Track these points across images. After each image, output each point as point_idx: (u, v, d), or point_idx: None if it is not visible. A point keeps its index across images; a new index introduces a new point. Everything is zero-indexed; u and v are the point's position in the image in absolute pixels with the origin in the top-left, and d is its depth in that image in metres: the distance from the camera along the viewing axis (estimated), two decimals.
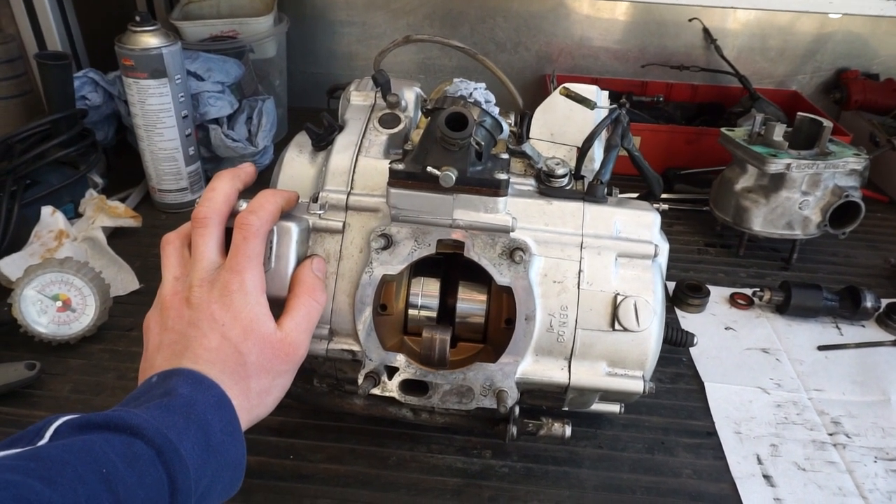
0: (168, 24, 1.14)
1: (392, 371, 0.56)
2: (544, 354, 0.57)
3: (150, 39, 0.89)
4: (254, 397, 0.49)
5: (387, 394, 0.56)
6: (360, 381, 0.56)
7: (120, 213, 0.92)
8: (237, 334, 0.48)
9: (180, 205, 1.01)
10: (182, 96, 0.94)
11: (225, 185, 0.55)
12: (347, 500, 0.59)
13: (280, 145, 1.16)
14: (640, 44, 1.38)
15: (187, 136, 0.97)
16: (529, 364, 0.56)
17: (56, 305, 0.74)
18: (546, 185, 0.61)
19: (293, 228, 0.56)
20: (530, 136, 0.67)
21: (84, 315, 0.75)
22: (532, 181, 0.62)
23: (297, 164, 0.65)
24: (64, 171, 0.93)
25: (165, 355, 0.49)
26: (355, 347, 0.57)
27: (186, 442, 0.41)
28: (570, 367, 0.57)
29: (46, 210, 0.86)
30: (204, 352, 0.47)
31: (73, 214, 0.94)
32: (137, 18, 0.88)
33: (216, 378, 0.46)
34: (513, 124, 0.72)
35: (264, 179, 0.64)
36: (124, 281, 0.85)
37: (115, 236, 0.92)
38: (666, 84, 1.36)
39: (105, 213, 0.91)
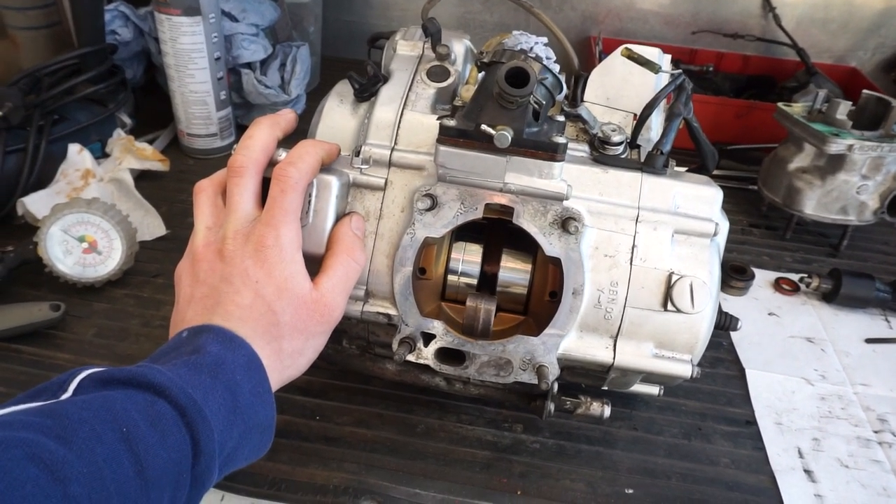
0: None
1: (428, 338, 0.54)
2: (589, 331, 0.54)
3: None
4: (286, 358, 0.47)
5: (421, 361, 0.54)
6: (394, 346, 0.54)
7: (148, 156, 0.90)
8: (271, 292, 0.46)
9: (209, 150, 0.98)
10: (215, 37, 0.90)
11: (263, 132, 0.51)
12: (374, 465, 0.57)
13: (313, 94, 1.13)
14: (693, 9, 1.30)
15: (219, 80, 0.93)
16: (573, 340, 0.54)
17: (82, 247, 0.72)
18: (600, 153, 0.57)
19: (333, 182, 0.53)
20: (585, 99, 0.63)
21: (110, 259, 0.73)
22: (585, 147, 0.58)
23: (337, 115, 0.61)
24: (92, 109, 0.90)
25: (197, 309, 0.47)
26: (392, 311, 0.55)
27: (212, 402, 0.39)
28: (615, 346, 0.54)
29: (73, 148, 0.84)
30: (236, 308, 0.45)
31: (100, 154, 0.91)
32: None
33: (247, 337, 0.44)
34: (568, 83, 0.68)
35: (300, 130, 0.60)
36: (150, 226, 0.83)
37: (142, 179, 0.90)
38: (717, 53, 1.29)
39: (133, 154, 0.89)
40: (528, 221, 0.52)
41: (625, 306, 0.53)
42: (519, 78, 0.47)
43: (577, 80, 0.66)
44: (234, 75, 0.98)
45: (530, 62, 0.51)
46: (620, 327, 0.54)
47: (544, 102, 0.51)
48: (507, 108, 0.49)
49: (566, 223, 0.51)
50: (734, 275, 0.83)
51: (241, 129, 1.05)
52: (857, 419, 0.67)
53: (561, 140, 0.50)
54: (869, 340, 0.78)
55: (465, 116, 0.50)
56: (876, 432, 0.66)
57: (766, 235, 0.96)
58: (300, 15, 1.16)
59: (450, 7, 1.33)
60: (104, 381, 0.38)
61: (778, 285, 0.85)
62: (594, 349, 0.54)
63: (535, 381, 0.53)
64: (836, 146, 0.84)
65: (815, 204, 0.89)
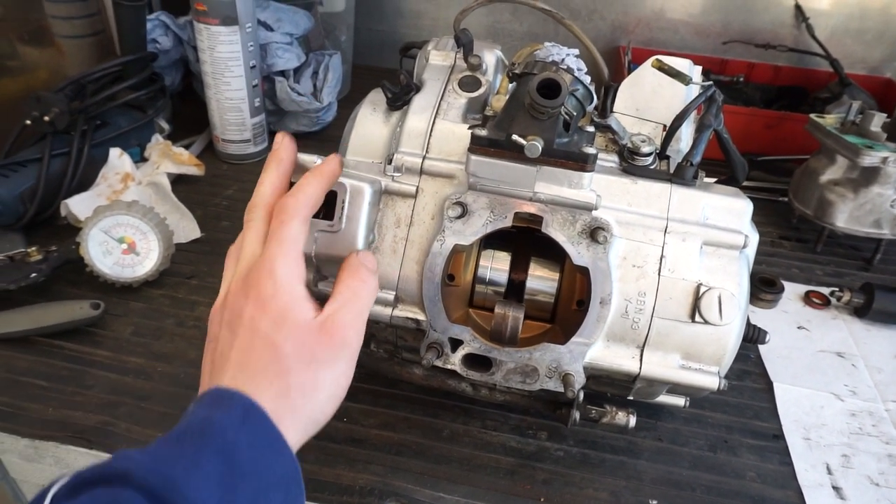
0: None
1: (456, 344, 0.55)
2: (616, 340, 0.54)
3: None
4: (298, 396, 0.41)
5: (449, 366, 0.55)
6: (422, 351, 0.55)
7: (184, 161, 0.92)
8: (267, 325, 0.41)
9: (243, 156, 1.01)
10: (251, 45, 0.92)
11: (270, 174, 0.48)
12: (399, 468, 0.58)
13: (343, 102, 1.15)
14: (724, 18, 1.29)
15: (254, 87, 0.96)
16: (600, 349, 0.54)
17: (121, 248, 0.74)
18: (629, 163, 0.57)
19: (366, 189, 0.54)
20: (615, 109, 0.64)
21: (147, 259, 0.75)
22: (615, 157, 0.58)
23: (370, 123, 0.62)
24: (132, 114, 0.93)
25: (207, 374, 0.43)
26: (420, 316, 0.56)
27: (197, 474, 0.34)
28: (641, 356, 0.54)
29: (114, 152, 0.87)
30: (235, 354, 0.41)
31: (139, 158, 0.94)
32: None
33: (248, 381, 0.40)
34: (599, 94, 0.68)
35: (330, 136, 0.62)
36: (186, 229, 0.85)
37: (178, 183, 0.93)
38: (747, 63, 1.28)
39: (170, 158, 0.92)
40: (557, 230, 0.53)
41: (652, 317, 0.54)
42: (550, 89, 0.48)
43: (607, 90, 0.66)
44: (268, 83, 1.00)
45: (562, 74, 0.52)
46: (647, 337, 0.54)
47: (575, 113, 0.51)
48: (538, 119, 0.50)
49: (595, 233, 0.52)
50: (763, 287, 0.82)
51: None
52: (888, 437, 0.66)
53: (591, 150, 0.50)
54: None
55: (496, 126, 0.51)
56: None
57: (797, 248, 0.95)
58: (333, 24, 1.19)
59: (479, 17, 1.35)
60: (73, 489, 0.34)
61: (808, 299, 0.84)
62: (621, 359, 0.54)
63: (561, 389, 0.54)
64: (869, 159, 0.83)
65: (847, 217, 0.88)
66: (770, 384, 0.71)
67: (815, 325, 0.80)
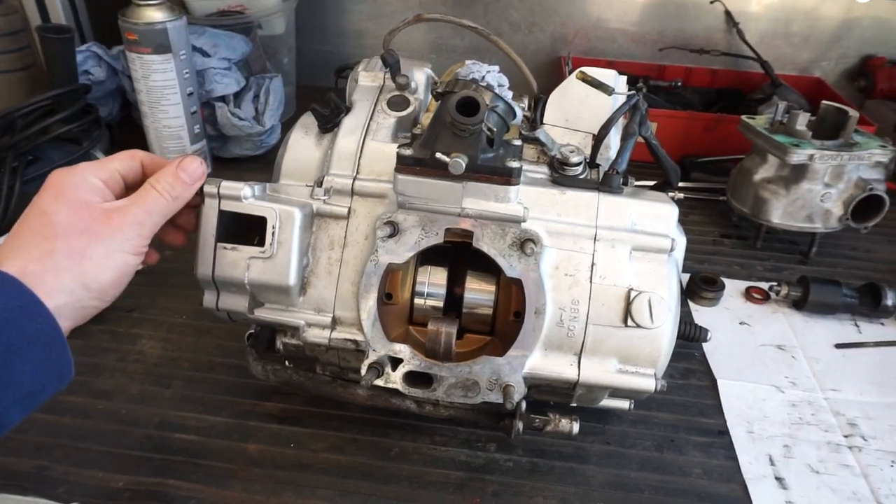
0: None
1: (396, 362, 0.55)
2: (553, 349, 0.55)
3: (154, 13, 0.87)
4: (62, 258, 0.43)
5: (390, 385, 0.55)
6: (363, 371, 0.54)
7: None
8: (47, 200, 0.45)
9: None
10: (187, 73, 0.92)
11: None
12: (348, 491, 0.58)
13: (288, 124, 1.13)
14: (659, 26, 1.33)
15: (192, 114, 0.95)
16: (538, 359, 0.55)
17: None
18: (560, 174, 0.58)
19: (296, 213, 0.54)
20: (544, 121, 0.65)
21: None
22: (545, 169, 0.60)
23: (302, 147, 0.62)
24: (67, 148, 0.91)
25: None
26: (359, 337, 0.56)
27: None
28: (579, 363, 0.55)
29: None
30: (15, 229, 0.44)
31: None
32: None
33: (14, 250, 0.42)
34: (526, 109, 0.70)
35: (272, 159, 0.62)
36: None
37: None
38: (685, 68, 1.32)
39: None
40: (488, 244, 0.53)
41: (587, 323, 0.54)
42: (469, 107, 0.49)
43: (536, 103, 0.68)
44: (209, 108, 0.99)
45: (481, 91, 0.52)
46: (584, 344, 0.55)
47: (496, 129, 0.52)
48: (461, 136, 0.50)
49: (524, 245, 0.53)
50: (704, 286, 0.84)
51: (217, 160, 1.07)
52: (827, 424, 0.68)
53: (515, 164, 0.51)
54: (839, 346, 0.79)
55: (421, 145, 0.52)
56: (846, 437, 0.67)
57: (738, 245, 0.98)
58: (274, 47, 1.19)
59: (422, 33, 1.36)
60: None
61: (749, 294, 0.86)
62: (559, 367, 0.55)
63: (503, 400, 0.54)
64: (797, 157, 0.86)
65: (781, 213, 0.91)
66: (714, 381, 0.73)
67: (756, 320, 0.82)
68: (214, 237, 0.54)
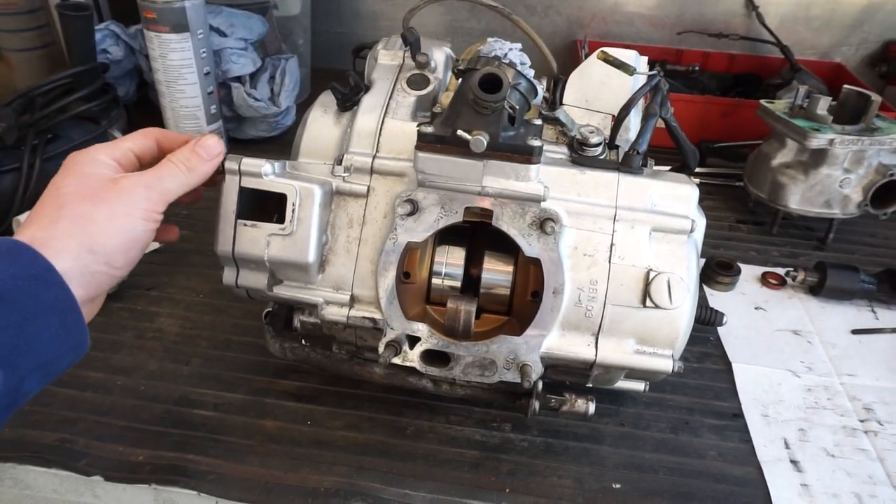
0: None
1: (414, 341, 0.55)
2: (571, 329, 0.55)
3: None
4: (67, 224, 0.43)
5: (407, 363, 0.55)
6: (380, 349, 0.55)
7: None
8: (59, 177, 0.46)
9: None
10: (204, 52, 0.92)
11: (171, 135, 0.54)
12: (364, 468, 0.58)
13: (303, 106, 1.14)
14: (678, 10, 1.32)
15: (209, 94, 0.95)
16: (555, 339, 0.55)
17: None
18: (579, 154, 0.58)
19: (316, 190, 0.54)
20: (564, 102, 0.64)
21: None
22: (564, 149, 0.59)
23: (321, 125, 0.62)
24: (85, 126, 0.92)
25: None
26: (377, 315, 0.56)
27: None
28: (597, 343, 0.55)
29: None
30: (33, 207, 0.45)
31: None
32: None
33: (28, 224, 0.43)
34: (546, 89, 0.69)
35: (290, 141, 0.62)
36: None
37: None
38: (702, 53, 1.31)
39: None
40: (508, 223, 0.53)
41: (605, 304, 0.54)
42: (492, 84, 0.49)
43: (556, 83, 0.67)
44: (225, 89, 1.00)
45: (504, 68, 0.52)
46: (601, 324, 0.55)
47: (518, 107, 0.52)
48: (483, 114, 0.50)
49: (544, 224, 0.53)
50: (720, 270, 0.84)
51: (232, 141, 1.07)
52: (843, 409, 0.68)
53: (536, 143, 0.51)
54: (855, 331, 0.78)
55: (442, 123, 0.52)
56: (862, 421, 0.66)
57: (754, 231, 0.97)
58: (290, 28, 1.18)
59: (437, 15, 1.35)
60: None
61: (765, 280, 0.86)
62: (576, 346, 0.55)
63: (519, 380, 0.54)
64: (817, 141, 0.85)
65: (799, 198, 0.90)
66: (729, 365, 0.72)
67: (771, 305, 0.82)
68: (235, 214, 0.54)
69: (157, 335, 0.72)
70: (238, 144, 1.08)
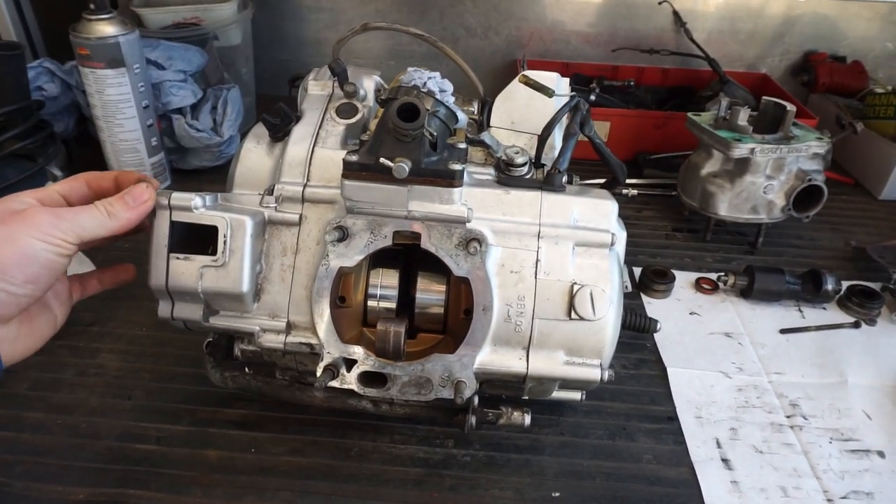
0: (129, 11, 1.11)
1: (351, 363, 0.56)
2: (502, 344, 0.57)
3: (106, 28, 0.87)
4: None
5: (346, 386, 0.56)
6: (318, 373, 0.56)
7: None
8: None
9: None
10: (142, 86, 0.92)
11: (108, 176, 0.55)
12: (308, 491, 0.59)
13: (247, 134, 1.15)
14: (611, 27, 1.37)
15: (149, 127, 0.95)
16: (487, 354, 0.56)
17: None
18: (505, 175, 0.60)
19: (247, 221, 0.55)
20: (491, 124, 0.67)
21: None
22: (492, 170, 0.62)
23: (254, 156, 0.63)
24: (21, 165, 0.91)
25: None
26: (313, 340, 0.57)
27: None
28: (528, 356, 0.57)
29: None
30: None
31: None
32: (92, 6, 0.86)
33: None
34: (475, 112, 0.72)
35: (225, 170, 0.63)
36: None
37: None
38: (637, 68, 1.36)
39: None
40: (436, 245, 0.55)
41: (533, 318, 0.56)
42: (410, 113, 0.51)
43: (484, 106, 0.70)
44: (166, 121, 1.00)
45: (422, 97, 0.54)
46: (531, 338, 0.57)
47: (438, 133, 0.54)
48: (404, 141, 0.52)
49: (469, 244, 0.55)
50: (655, 278, 0.87)
51: (175, 172, 1.07)
52: (771, 406, 0.71)
53: (457, 167, 0.53)
54: (783, 331, 0.82)
55: (367, 151, 0.53)
56: (788, 417, 0.70)
57: (689, 238, 1.01)
58: (232, 57, 1.19)
59: (380, 40, 1.38)
60: None
61: (698, 285, 0.89)
62: (508, 361, 0.57)
63: (454, 396, 0.56)
64: (738, 150, 0.89)
65: (727, 206, 0.94)
66: (665, 370, 0.75)
67: (705, 310, 0.85)
68: (167, 247, 0.55)
69: (98, 371, 0.71)
70: (182, 175, 1.08)
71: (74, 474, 0.60)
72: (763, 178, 0.92)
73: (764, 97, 0.97)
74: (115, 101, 0.90)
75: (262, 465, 0.61)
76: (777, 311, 0.86)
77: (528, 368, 0.57)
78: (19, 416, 0.65)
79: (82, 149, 1.09)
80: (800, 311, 0.86)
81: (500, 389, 0.61)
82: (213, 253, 0.55)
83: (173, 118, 0.99)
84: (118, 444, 0.63)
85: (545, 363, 0.57)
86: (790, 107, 0.91)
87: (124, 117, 0.92)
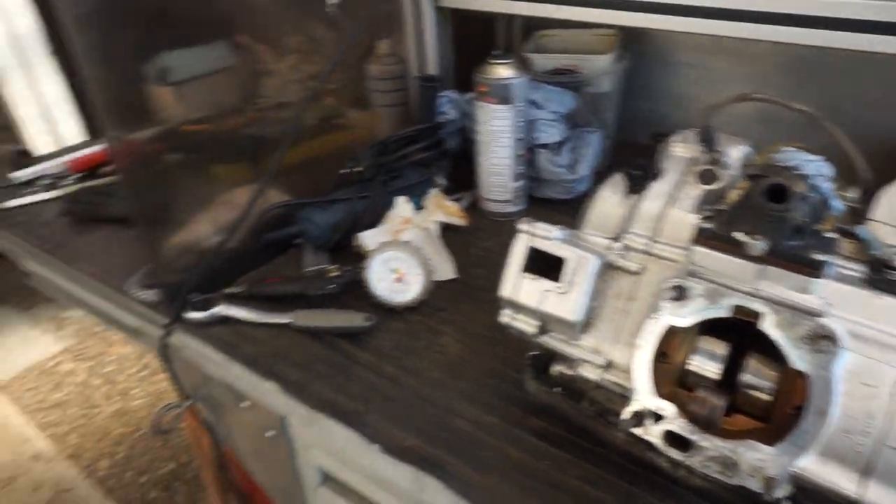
0: (520, 54, 1.29)
1: (658, 417, 0.58)
2: (833, 458, 0.52)
3: (503, 71, 1.03)
4: None
5: (648, 438, 0.58)
6: (623, 416, 0.59)
7: (452, 212, 1.10)
8: None
9: (502, 214, 1.15)
10: (521, 121, 1.07)
11: None
12: None
13: (602, 173, 1.22)
14: None
15: (518, 156, 1.09)
16: (813, 462, 0.52)
17: (393, 277, 0.92)
18: (879, 276, 0.55)
19: (593, 260, 0.61)
20: (872, 216, 0.61)
21: (412, 289, 0.92)
22: (862, 267, 0.56)
23: (608, 203, 0.69)
24: (419, 170, 1.14)
25: None
26: (627, 384, 0.60)
27: None
28: (864, 483, 0.51)
29: (400, 199, 1.08)
30: None
31: (418, 206, 1.14)
32: (496, 54, 1.03)
33: None
34: (855, 199, 0.66)
35: (579, 204, 0.70)
36: (445, 270, 1.01)
37: (444, 230, 1.10)
38: None
39: (441, 209, 1.10)
40: (777, 330, 0.53)
41: (882, 444, 0.50)
42: (779, 194, 0.50)
43: (865, 194, 0.64)
44: (531, 153, 1.14)
45: (794, 180, 0.53)
46: (873, 465, 0.50)
47: (804, 219, 0.52)
48: (765, 221, 0.52)
49: (818, 340, 0.51)
50: None
51: (531, 199, 1.20)
52: None
53: (821, 258, 0.50)
54: None
55: (724, 221, 0.55)
56: None
57: None
58: (599, 102, 1.28)
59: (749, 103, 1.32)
60: None
61: None
62: (836, 478, 0.52)
63: (762, 491, 0.53)
64: None
65: None
66: None
67: None
68: (522, 266, 0.65)
69: (440, 349, 0.86)
70: (535, 202, 1.20)
71: (412, 422, 0.74)
72: None
73: None
74: (497, 131, 1.07)
75: (552, 480, 0.67)
76: None
77: (861, 497, 0.50)
78: (381, 366, 0.83)
79: (461, 165, 1.30)
80: None
81: (816, 503, 0.56)
82: (557, 280, 0.63)
83: (538, 152, 1.12)
84: (443, 414, 0.75)
85: (888, 498, 0.50)
86: None
87: (500, 146, 1.08)
